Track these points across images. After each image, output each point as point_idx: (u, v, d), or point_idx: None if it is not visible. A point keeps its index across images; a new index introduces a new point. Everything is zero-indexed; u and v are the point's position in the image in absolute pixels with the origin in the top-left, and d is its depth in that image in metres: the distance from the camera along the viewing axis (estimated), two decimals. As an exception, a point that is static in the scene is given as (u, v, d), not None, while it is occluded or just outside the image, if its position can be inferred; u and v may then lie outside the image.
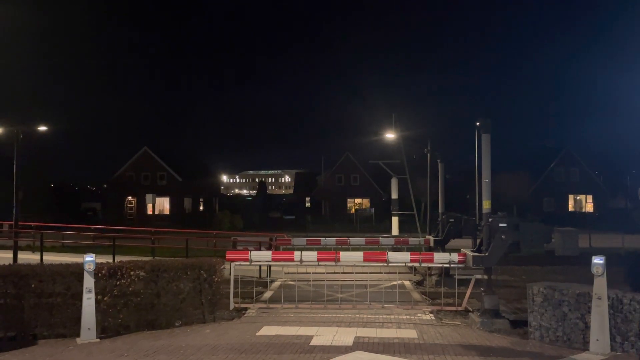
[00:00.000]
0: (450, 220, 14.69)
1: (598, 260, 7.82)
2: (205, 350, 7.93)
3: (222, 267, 10.70)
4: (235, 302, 11.52)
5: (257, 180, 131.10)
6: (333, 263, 11.71)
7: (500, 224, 9.81)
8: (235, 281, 11.70)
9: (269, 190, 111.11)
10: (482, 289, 10.18)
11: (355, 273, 14.15)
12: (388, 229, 22.89)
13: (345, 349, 7.87)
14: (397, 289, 12.76)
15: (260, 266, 15.36)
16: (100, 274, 9.21)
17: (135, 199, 51.12)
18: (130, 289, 9.44)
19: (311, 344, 8.22)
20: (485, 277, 10.21)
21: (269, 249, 17.37)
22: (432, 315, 10.91)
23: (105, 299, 9.20)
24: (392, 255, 11.81)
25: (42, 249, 18.25)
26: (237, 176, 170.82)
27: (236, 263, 11.74)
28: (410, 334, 9.03)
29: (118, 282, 9.39)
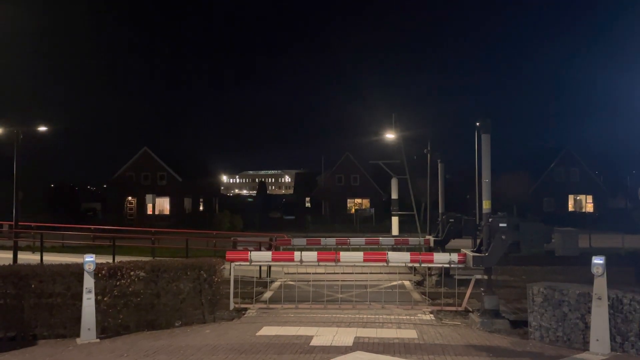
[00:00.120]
0: (450, 220, 14.68)
1: (598, 260, 7.82)
2: (205, 350, 7.93)
3: (222, 267, 10.70)
4: (235, 302, 11.52)
5: (257, 180, 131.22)
6: (333, 263, 11.70)
7: (500, 224, 9.81)
8: (235, 281, 11.70)
9: (269, 191, 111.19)
10: (482, 289, 10.18)
11: (355, 273, 14.14)
12: (388, 229, 22.87)
13: (345, 349, 7.87)
14: (397, 289, 12.76)
15: (260, 266, 15.37)
16: (100, 274, 9.20)
17: (135, 199, 51.13)
18: (130, 289, 9.44)
19: (311, 344, 8.22)
20: (485, 277, 10.20)
21: (269, 249, 17.36)
22: (432, 315, 10.90)
23: (105, 299, 9.19)
24: (392, 256, 11.81)
25: (42, 249, 18.24)
26: (237, 176, 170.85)
27: (236, 263, 11.73)
28: (410, 334, 9.03)
29: (118, 283, 9.39)
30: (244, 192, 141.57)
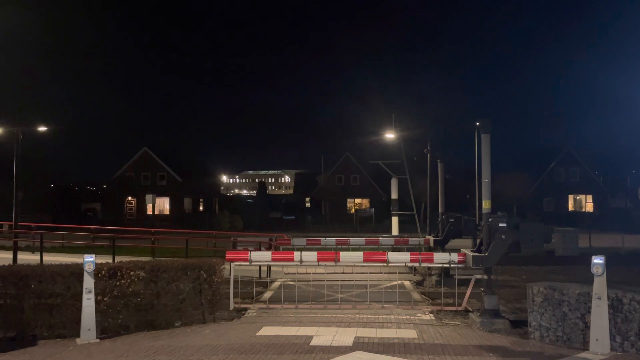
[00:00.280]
0: (450, 220, 14.68)
1: (598, 260, 7.82)
2: (205, 350, 7.93)
3: (222, 268, 10.69)
4: (235, 303, 11.52)
5: (257, 180, 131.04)
6: (333, 263, 11.70)
7: (500, 224, 9.81)
8: (235, 281, 11.70)
9: (269, 191, 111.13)
10: (482, 289, 10.17)
11: (355, 273, 14.15)
12: (388, 229, 22.88)
13: (345, 349, 7.87)
14: (397, 289, 12.76)
15: (260, 266, 15.36)
16: (100, 275, 9.21)
17: (135, 200, 51.13)
18: (130, 289, 9.44)
19: (311, 344, 8.22)
20: (485, 277, 10.20)
21: (268, 249, 17.36)
22: (432, 315, 10.90)
23: (105, 299, 9.19)
24: (392, 256, 11.81)
25: (42, 250, 18.23)
26: (237, 176, 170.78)
27: (236, 263, 11.73)
28: (410, 334, 9.03)
29: (118, 283, 9.39)
30: (244, 192, 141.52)
